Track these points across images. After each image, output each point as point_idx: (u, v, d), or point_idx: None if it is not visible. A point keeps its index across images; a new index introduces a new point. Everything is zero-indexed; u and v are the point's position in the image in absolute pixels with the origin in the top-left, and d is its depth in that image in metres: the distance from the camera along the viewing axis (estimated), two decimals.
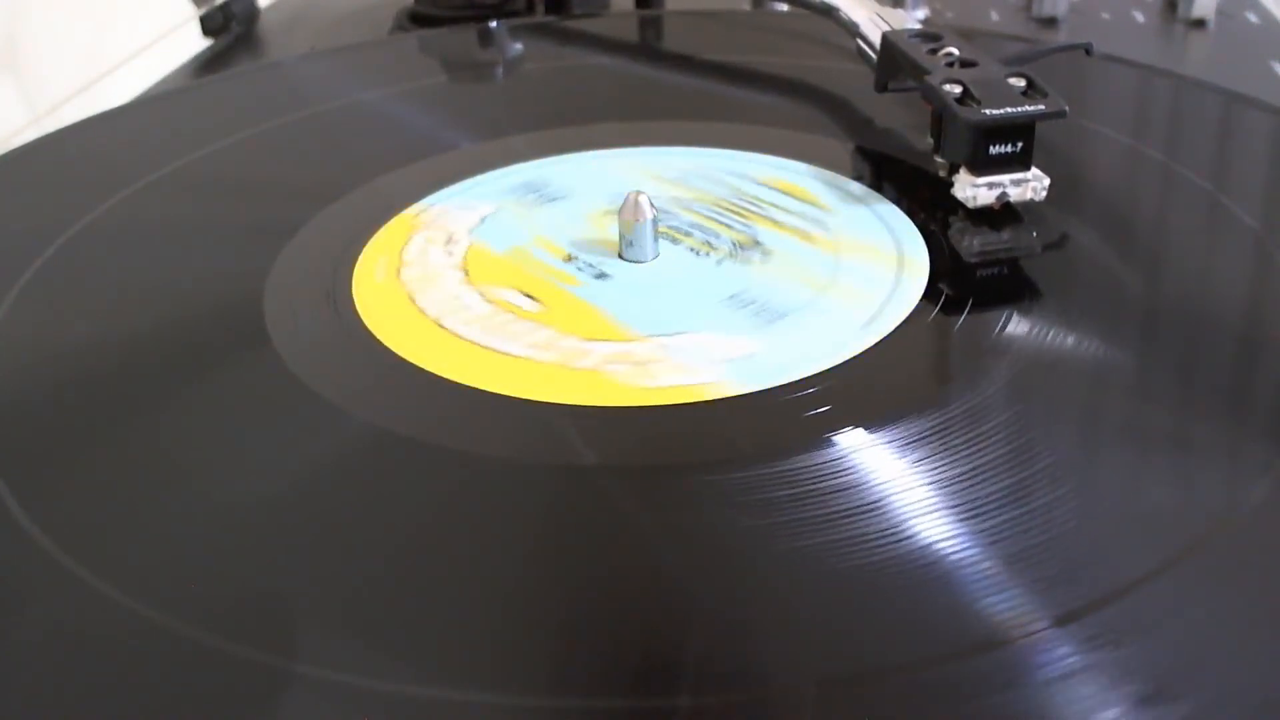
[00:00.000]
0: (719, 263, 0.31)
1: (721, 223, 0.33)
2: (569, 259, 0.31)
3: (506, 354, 0.27)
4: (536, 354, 0.27)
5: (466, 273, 0.31)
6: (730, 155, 0.37)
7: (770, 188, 0.35)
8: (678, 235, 0.32)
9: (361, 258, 0.32)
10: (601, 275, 0.31)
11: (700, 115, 0.41)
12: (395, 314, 0.29)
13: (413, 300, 0.30)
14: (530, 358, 0.27)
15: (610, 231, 0.32)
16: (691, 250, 0.32)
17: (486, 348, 0.27)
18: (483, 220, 0.33)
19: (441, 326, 0.28)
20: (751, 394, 0.26)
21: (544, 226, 0.33)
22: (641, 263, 0.31)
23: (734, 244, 0.32)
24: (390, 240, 0.32)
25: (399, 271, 0.31)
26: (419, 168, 0.37)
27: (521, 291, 0.30)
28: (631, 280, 0.30)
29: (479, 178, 0.36)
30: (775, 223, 0.33)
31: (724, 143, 0.38)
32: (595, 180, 0.36)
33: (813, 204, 0.34)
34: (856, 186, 0.35)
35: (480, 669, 0.19)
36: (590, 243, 0.32)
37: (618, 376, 0.26)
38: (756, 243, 0.32)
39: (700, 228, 0.33)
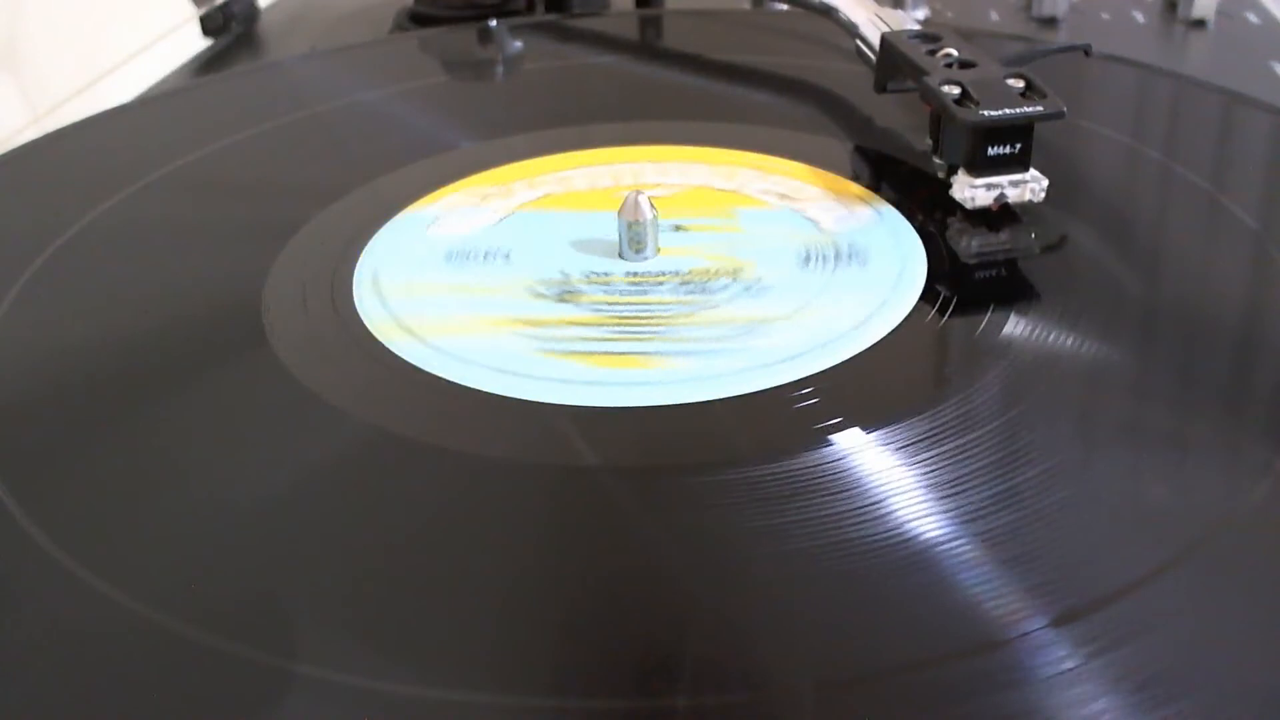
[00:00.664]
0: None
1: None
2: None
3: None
4: None
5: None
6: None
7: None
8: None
9: (361, 258, 0.32)
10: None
11: (700, 115, 0.41)
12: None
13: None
14: None
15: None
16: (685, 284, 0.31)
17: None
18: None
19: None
20: (751, 394, 0.26)
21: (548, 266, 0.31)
22: (646, 261, 0.31)
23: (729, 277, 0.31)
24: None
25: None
26: (419, 168, 0.37)
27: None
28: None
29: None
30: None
31: (724, 143, 0.38)
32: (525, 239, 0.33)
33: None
34: (855, 187, 0.35)
35: (480, 669, 0.19)
36: (592, 255, 0.32)
37: None
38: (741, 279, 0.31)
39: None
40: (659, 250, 0.31)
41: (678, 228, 0.33)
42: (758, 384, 0.26)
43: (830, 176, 0.36)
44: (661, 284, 0.30)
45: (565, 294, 0.30)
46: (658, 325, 0.28)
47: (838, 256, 0.31)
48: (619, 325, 0.28)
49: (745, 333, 0.28)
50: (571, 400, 0.26)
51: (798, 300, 0.29)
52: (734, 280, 0.30)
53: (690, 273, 0.30)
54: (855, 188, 0.35)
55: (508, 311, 0.29)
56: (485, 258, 0.32)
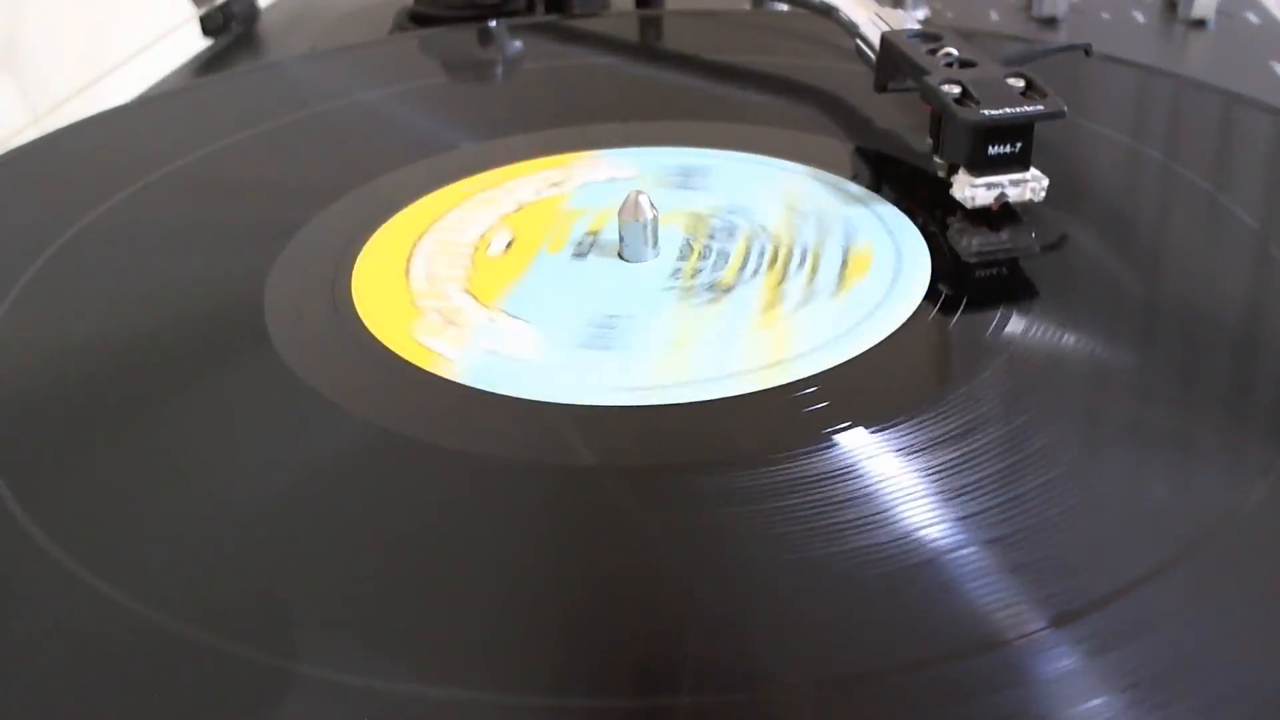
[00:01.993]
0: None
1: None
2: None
3: None
4: None
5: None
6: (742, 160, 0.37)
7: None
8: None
9: (361, 258, 0.32)
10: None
11: (700, 115, 0.41)
12: (396, 314, 0.29)
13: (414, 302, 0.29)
14: None
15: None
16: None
17: None
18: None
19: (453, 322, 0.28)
20: (752, 394, 0.26)
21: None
22: (648, 260, 0.31)
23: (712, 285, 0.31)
24: (392, 326, 0.29)
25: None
26: (419, 168, 0.37)
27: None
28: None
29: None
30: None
31: (724, 143, 0.38)
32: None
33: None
34: (855, 187, 0.35)
35: (481, 669, 0.19)
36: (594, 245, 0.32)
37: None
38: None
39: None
40: (658, 251, 0.31)
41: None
42: (758, 384, 0.26)
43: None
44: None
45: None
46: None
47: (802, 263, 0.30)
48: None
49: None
50: (572, 400, 0.26)
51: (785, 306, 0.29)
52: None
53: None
54: (855, 187, 0.35)
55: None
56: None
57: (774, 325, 0.28)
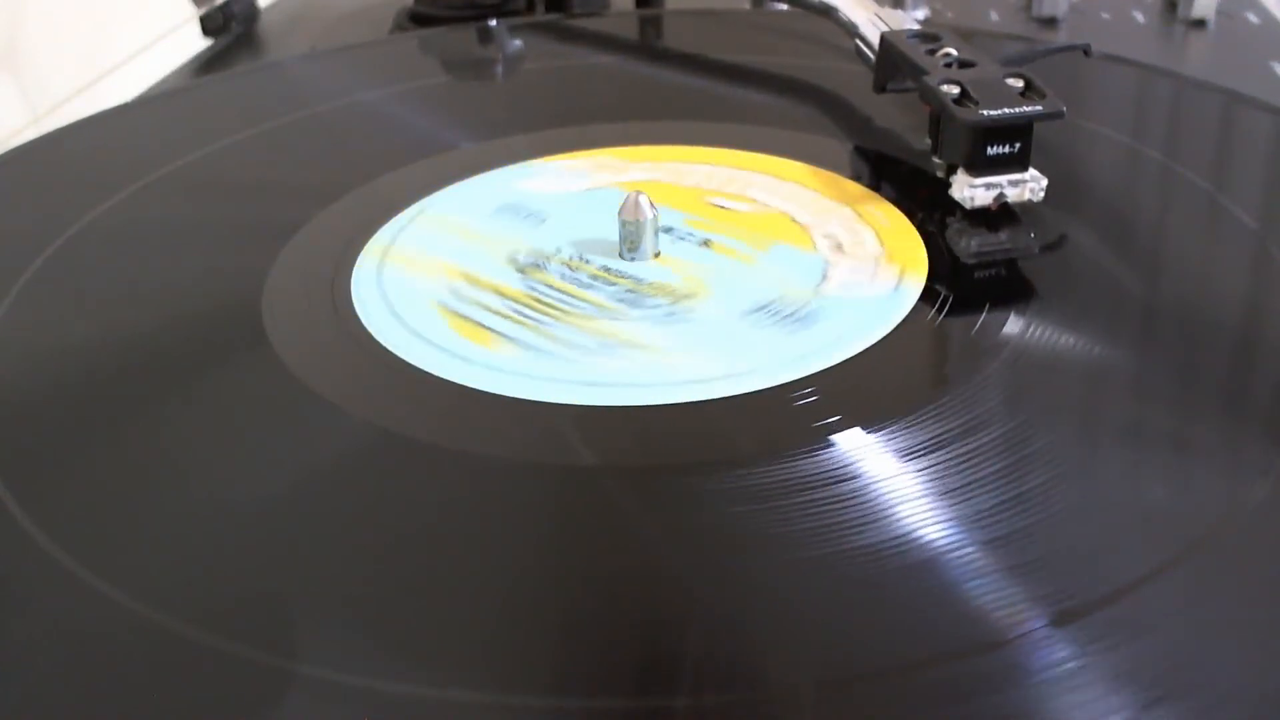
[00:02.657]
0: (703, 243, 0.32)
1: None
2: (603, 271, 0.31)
3: None
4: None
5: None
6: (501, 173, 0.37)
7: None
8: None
9: (361, 257, 0.32)
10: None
11: (700, 115, 0.41)
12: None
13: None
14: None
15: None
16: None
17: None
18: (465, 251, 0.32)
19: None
20: (751, 394, 0.26)
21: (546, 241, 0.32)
22: (648, 261, 0.31)
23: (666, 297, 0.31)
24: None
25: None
26: (419, 168, 0.37)
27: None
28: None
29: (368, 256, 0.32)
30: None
31: (724, 143, 0.38)
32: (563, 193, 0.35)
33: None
34: (855, 187, 0.35)
35: (481, 669, 0.19)
36: (590, 261, 0.32)
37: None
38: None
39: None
40: (656, 255, 0.31)
41: (705, 242, 0.32)
42: (758, 384, 0.26)
43: (838, 180, 0.36)
44: (614, 285, 0.30)
45: (530, 266, 0.31)
46: (550, 318, 0.29)
47: (791, 316, 0.29)
48: (525, 305, 0.29)
49: (600, 350, 0.27)
50: (572, 400, 0.26)
51: (689, 340, 0.28)
52: (671, 304, 0.29)
53: (649, 284, 0.30)
54: (855, 187, 0.35)
55: (464, 263, 0.31)
56: (526, 217, 0.34)
57: (774, 325, 0.28)
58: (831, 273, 0.30)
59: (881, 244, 0.31)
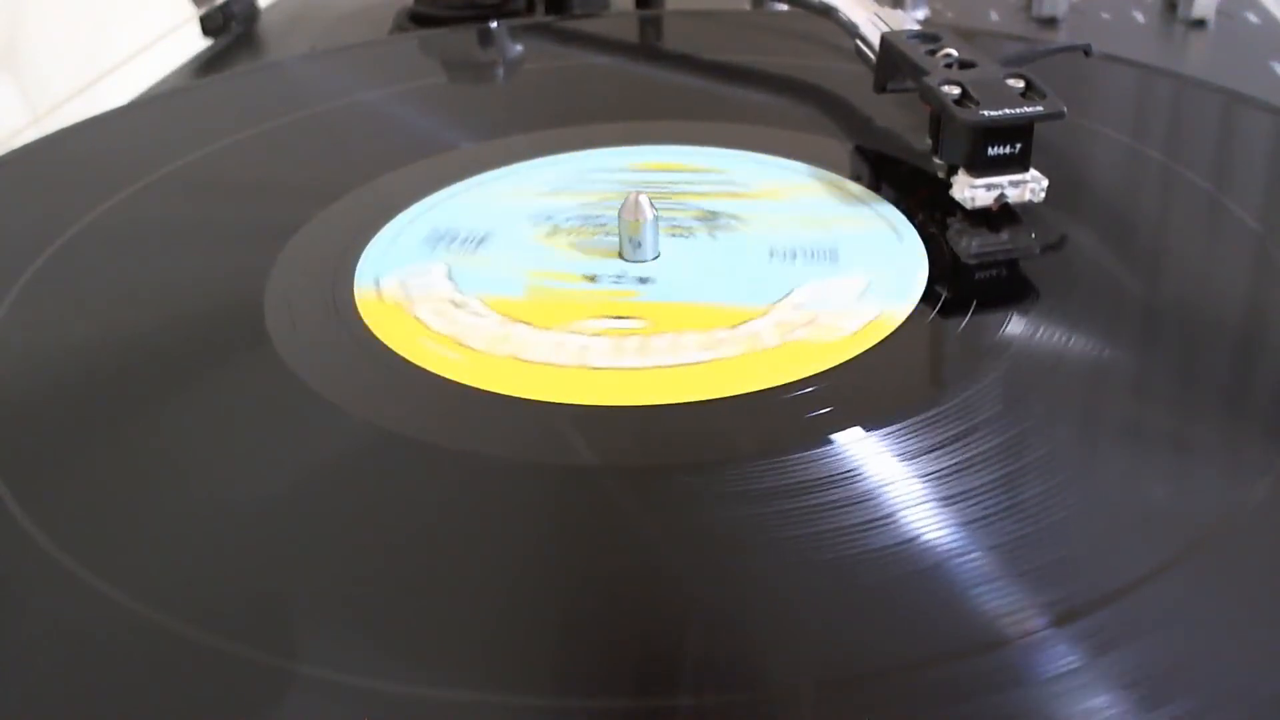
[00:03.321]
0: (713, 236, 0.32)
1: (660, 209, 0.33)
2: (592, 279, 0.31)
3: (682, 365, 0.26)
4: (715, 354, 0.27)
5: (528, 322, 0.29)
6: (589, 155, 0.38)
7: (655, 170, 0.36)
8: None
9: (361, 257, 0.32)
10: (643, 280, 0.30)
11: (700, 115, 0.41)
12: (417, 336, 0.29)
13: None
14: (713, 359, 0.27)
15: (591, 243, 0.32)
16: (675, 236, 0.32)
17: (654, 367, 0.27)
18: (452, 279, 0.31)
19: (461, 343, 0.28)
20: (752, 393, 0.26)
21: (518, 264, 0.31)
22: (650, 260, 0.31)
23: (697, 220, 0.33)
24: (397, 326, 0.29)
25: (453, 344, 0.28)
26: (419, 168, 0.37)
27: (610, 316, 0.29)
28: (674, 274, 0.31)
29: (379, 242, 0.33)
30: (699, 194, 0.34)
31: (724, 143, 0.38)
32: (489, 212, 0.34)
33: (709, 171, 0.36)
34: (855, 187, 0.35)
35: (481, 669, 0.19)
36: (589, 258, 0.32)
37: (813, 338, 0.27)
38: (713, 213, 0.33)
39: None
40: (656, 257, 0.31)
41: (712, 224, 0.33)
42: (758, 384, 0.26)
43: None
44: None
45: (552, 231, 0.33)
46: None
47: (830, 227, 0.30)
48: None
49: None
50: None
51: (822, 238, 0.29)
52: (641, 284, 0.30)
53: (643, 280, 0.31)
54: (855, 187, 0.35)
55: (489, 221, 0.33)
56: (552, 218, 0.34)
57: (841, 259, 0.28)
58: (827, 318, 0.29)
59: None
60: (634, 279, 0.30)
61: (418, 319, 0.29)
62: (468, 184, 0.36)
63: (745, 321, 0.28)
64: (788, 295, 0.29)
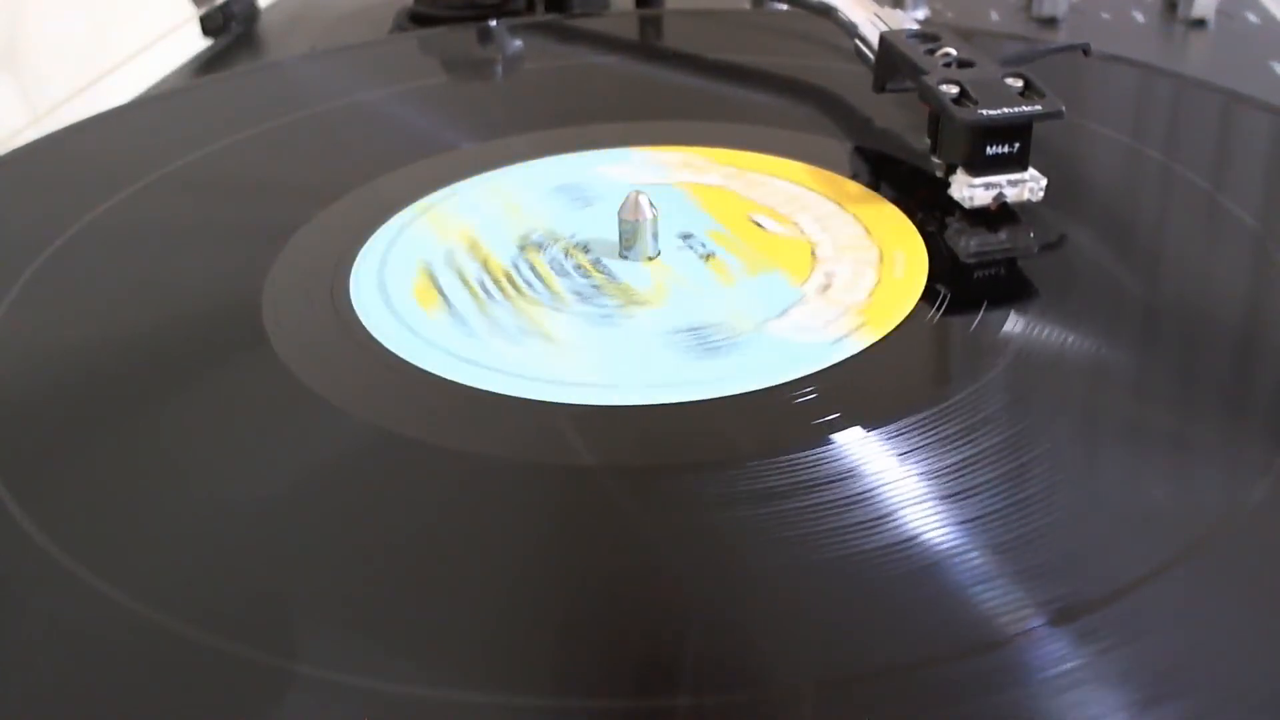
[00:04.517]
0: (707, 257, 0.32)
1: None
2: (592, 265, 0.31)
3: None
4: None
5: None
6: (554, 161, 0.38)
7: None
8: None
9: (361, 258, 0.32)
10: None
11: (700, 115, 0.41)
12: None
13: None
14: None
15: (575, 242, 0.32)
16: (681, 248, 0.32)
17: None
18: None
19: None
20: (751, 393, 0.26)
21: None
22: (646, 260, 0.31)
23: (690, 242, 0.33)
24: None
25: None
26: (419, 168, 0.37)
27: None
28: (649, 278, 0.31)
29: (380, 236, 0.33)
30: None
31: (724, 143, 0.38)
32: (488, 214, 0.34)
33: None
34: (854, 186, 0.35)
35: (481, 669, 0.19)
36: (590, 252, 0.32)
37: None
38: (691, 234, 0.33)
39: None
40: (652, 258, 0.31)
41: (708, 257, 0.32)
42: (758, 383, 0.26)
43: (837, 180, 0.36)
44: (589, 278, 0.30)
45: (532, 246, 0.32)
46: (501, 296, 0.30)
47: (710, 346, 0.28)
48: (494, 281, 0.30)
49: (511, 333, 0.28)
50: (572, 400, 0.26)
51: (591, 343, 0.28)
52: (619, 307, 0.29)
53: (617, 285, 0.30)
54: (854, 187, 0.35)
55: (479, 230, 0.33)
56: (577, 199, 0.35)
57: (687, 349, 0.28)
58: (793, 312, 0.29)
59: (870, 295, 0.29)
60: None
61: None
62: (482, 178, 0.37)
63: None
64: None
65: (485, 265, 0.31)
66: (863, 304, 0.29)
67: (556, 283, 0.30)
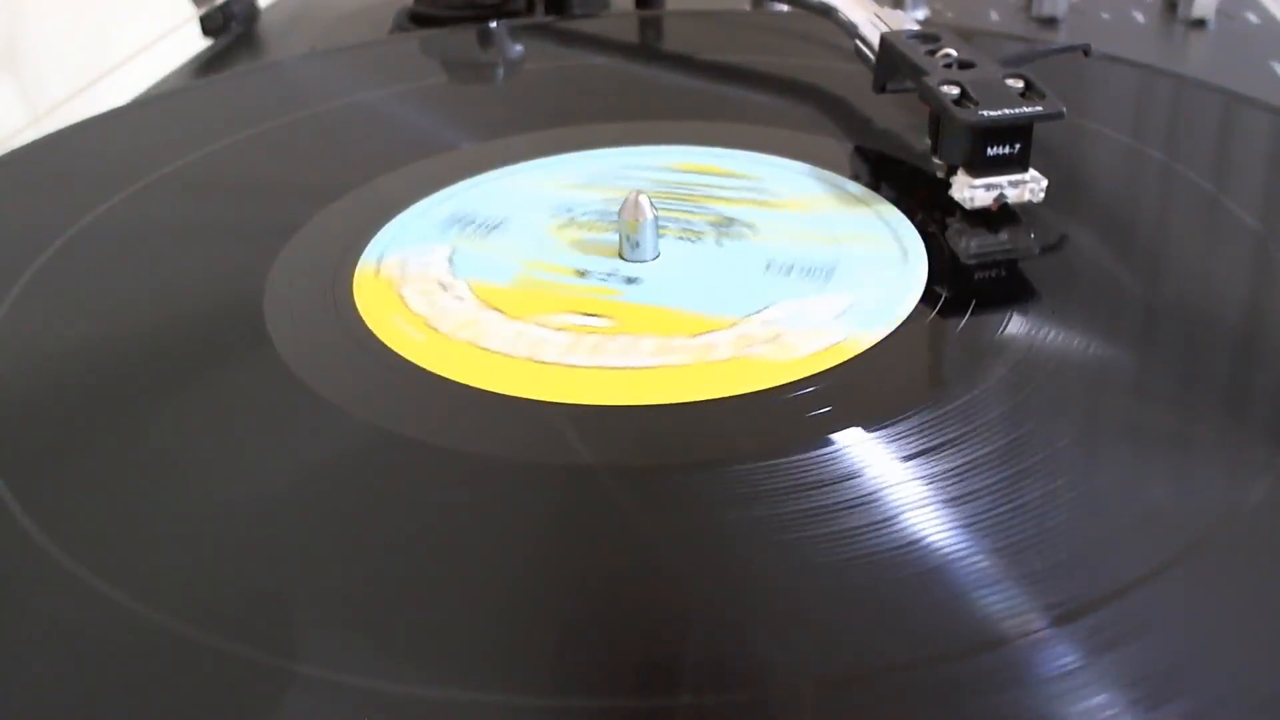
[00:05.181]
0: (719, 243, 0.32)
1: (680, 210, 0.33)
2: (583, 274, 0.31)
3: (630, 368, 0.27)
4: (664, 360, 0.27)
5: (501, 310, 0.29)
6: (630, 152, 0.38)
7: (689, 172, 0.36)
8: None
9: (361, 257, 0.32)
10: (631, 280, 0.30)
11: (700, 115, 0.41)
12: (393, 313, 0.29)
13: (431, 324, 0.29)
14: (661, 365, 0.27)
15: (597, 239, 0.32)
16: (682, 239, 0.32)
17: (601, 368, 0.27)
18: (451, 261, 0.32)
19: (456, 338, 0.28)
20: (752, 393, 0.26)
21: (519, 252, 0.32)
22: (648, 261, 0.31)
23: (711, 225, 0.33)
24: (379, 302, 0.30)
25: (423, 325, 0.29)
26: (419, 168, 0.37)
27: (581, 313, 0.29)
28: (663, 277, 0.31)
29: (402, 220, 0.34)
30: (725, 199, 0.34)
31: (724, 143, 0.38)
32: (514, 200, 0.35)
33: (743, 177, 0.35)
34: (855, 187, 0.35)
35: (481, 669, 0.19)
36: (586, 254, 0.32)
37: (762, 357, 0.27)
38: (729, 219, 0.33)
39: (666, 219, 0.33)
40: (656, 257, 0.31)
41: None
42: (758, 384, 0.26)
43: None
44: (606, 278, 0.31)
45: (567, 223, 0.33)
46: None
47: (836, 241, 0.30)
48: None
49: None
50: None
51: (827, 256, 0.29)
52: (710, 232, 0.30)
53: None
54: (854, 187, 0.35)
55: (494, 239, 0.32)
56: (571, 211, 0.34)
57: (833, 280, 0.28)
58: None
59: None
60: (622, 278, 0.30)
61: (401, 297, 0.30)
62: (498, 173, 0.37)
63: (707, 332, 0.28)
64: (763, 310, 0.29)
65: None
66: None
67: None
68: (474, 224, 0.34)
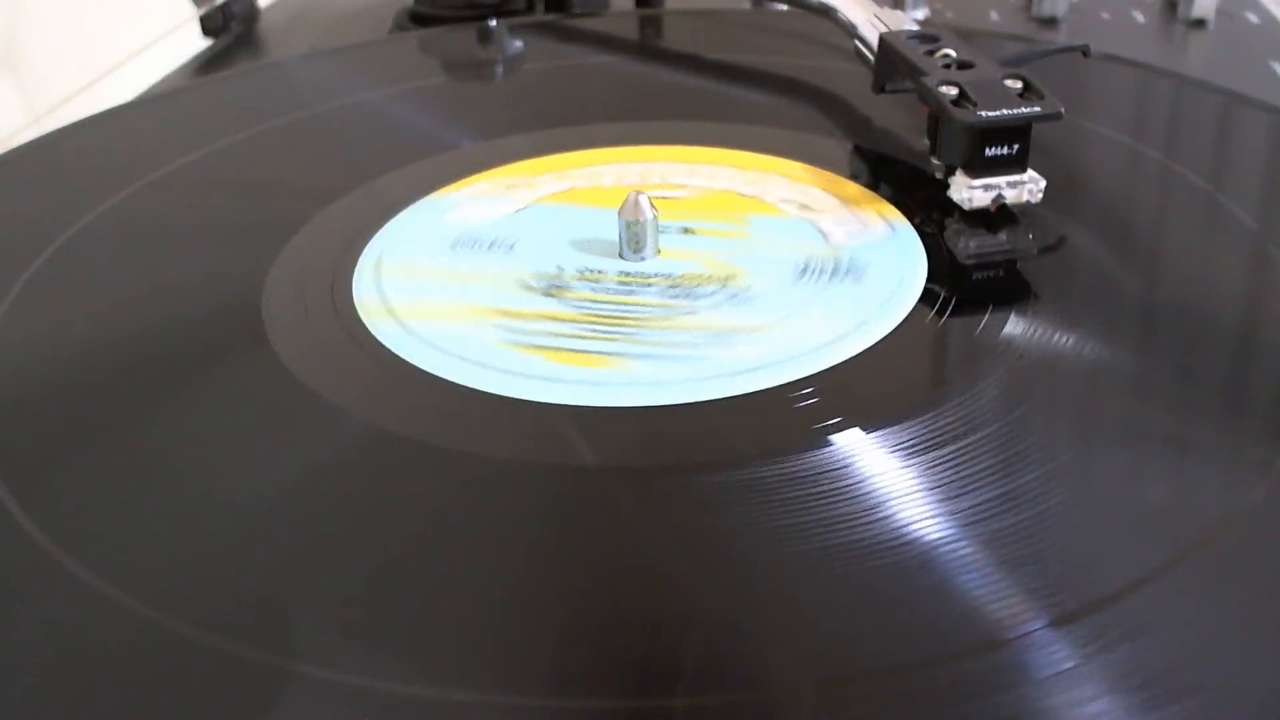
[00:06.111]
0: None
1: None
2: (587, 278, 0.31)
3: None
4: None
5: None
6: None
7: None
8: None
9: (361, 258, 0.32)
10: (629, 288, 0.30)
11: (700, 115, 0.41)
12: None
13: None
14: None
15: (592, 241, 0.32)
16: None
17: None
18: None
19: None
20: (751, 394, 0.26)
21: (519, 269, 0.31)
22: (645, 261, 0.31)
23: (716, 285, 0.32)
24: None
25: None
26: (419, 168, 0.37)
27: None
28: (663, 275, 0.31)
29: (402, 220, 0.34)
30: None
31: (724, 142, 0.38)
32: (521, 222, 0.34)
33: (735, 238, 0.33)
34: (853, 187, 0.35)
35: (481, 669, 0.19)
36: (591, 253, 0.32)
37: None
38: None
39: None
40: (659, 251, 0.31)
41: (686, 230, 0.33)
42: (758, 384, 0.26)
43: (837, 180, 0.36)
44: (650, 285, 0.30)
45: (553, 288, 0.30)
46: (631, 327, 0.28)
47: (835, 271, 0.30)
48: (593, 323, 0.28)
49: (713, 341, 0.28)
50: (572, 400, 0.26)
51: (779, 312, 0.29)
52: (722, 287, 0.30)
53: (682, 276, 0.30)
54: (865, 195, 0.35)
55: (491, 301, 0.30)
56: (490, 247, 0.32)
57: (749, 335, 0.28)
58: (825, 227, 0.30)
59: (835, 196, 0.31)
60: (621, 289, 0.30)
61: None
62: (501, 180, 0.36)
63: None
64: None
65: (556, 319, 0.29)
66: (848, 201, 0.29)
67: (639, 299, 0.29)
68: (480, 244, 0.33)
